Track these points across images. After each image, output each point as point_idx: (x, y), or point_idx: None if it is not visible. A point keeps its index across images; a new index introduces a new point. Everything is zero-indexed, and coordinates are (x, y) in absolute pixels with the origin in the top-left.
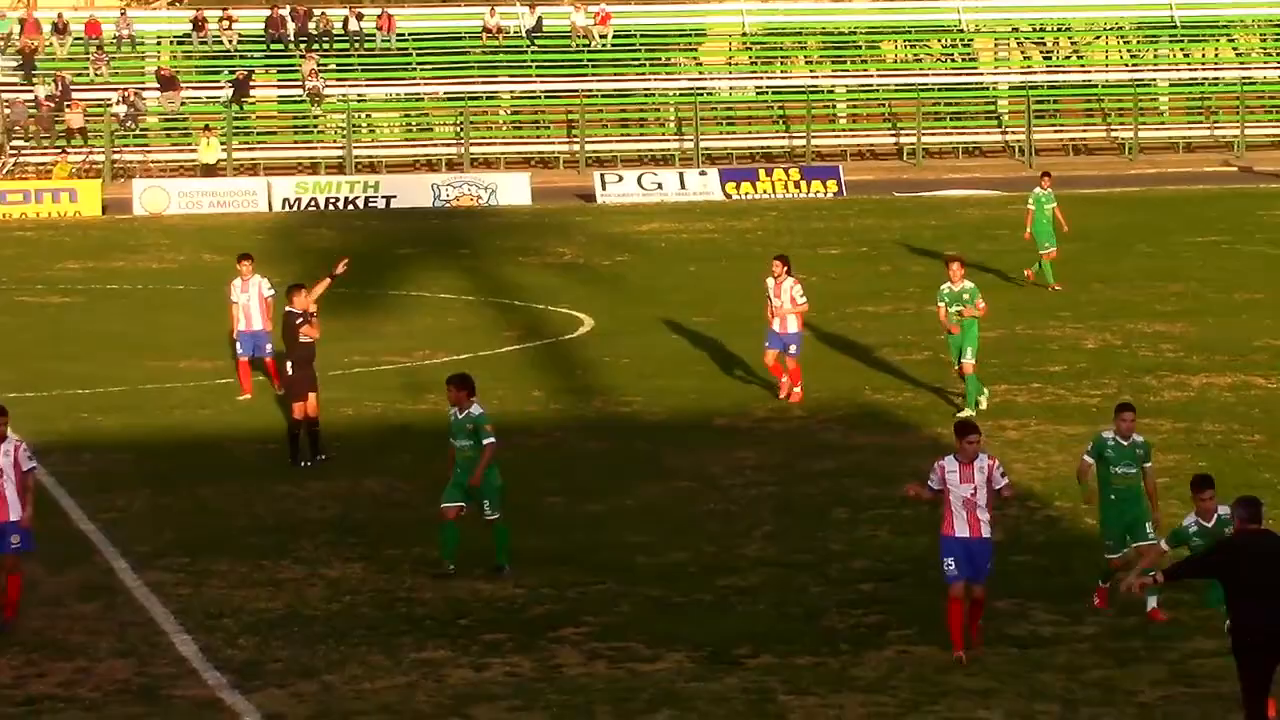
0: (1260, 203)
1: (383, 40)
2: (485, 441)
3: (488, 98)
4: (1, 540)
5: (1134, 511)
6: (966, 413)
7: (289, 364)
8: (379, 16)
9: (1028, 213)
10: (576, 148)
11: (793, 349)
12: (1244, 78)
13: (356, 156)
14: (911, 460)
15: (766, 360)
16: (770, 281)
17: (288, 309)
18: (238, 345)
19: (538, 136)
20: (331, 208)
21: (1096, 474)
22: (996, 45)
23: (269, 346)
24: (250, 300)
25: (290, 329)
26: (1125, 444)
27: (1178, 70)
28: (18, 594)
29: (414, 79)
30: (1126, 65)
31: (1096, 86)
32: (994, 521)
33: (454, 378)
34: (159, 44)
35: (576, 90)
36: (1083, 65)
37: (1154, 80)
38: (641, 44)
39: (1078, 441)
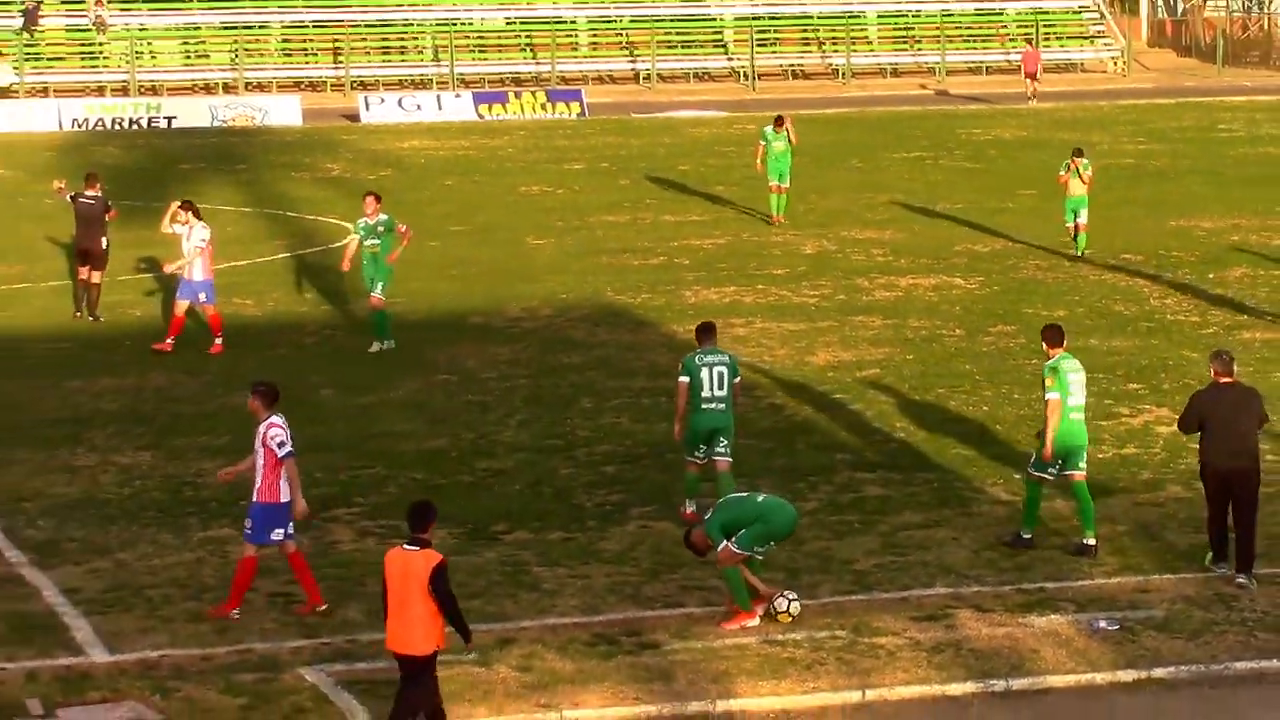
0: (959, 122)
1: None
2: None
3: (260, 26)
4: None
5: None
6: (376, 347)
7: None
8: None
9: (758, 149)
10: (342, 72)
11: (202, 297)
12: (943, 10)
13: (140, 81)
14: (649, 355)
15: (176, 311)
16: (176, 227)
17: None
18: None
19: (306, 62)
20: (117, 127)
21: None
22: None
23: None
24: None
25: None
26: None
27: (885, 3)
28: None
29: (191, 9)
30: None
31: (812, 17)
32: (273, 486)
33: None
34: None
35: (342, 20)
36: None
37: (864, 12)
38: None
39: (798, 337)
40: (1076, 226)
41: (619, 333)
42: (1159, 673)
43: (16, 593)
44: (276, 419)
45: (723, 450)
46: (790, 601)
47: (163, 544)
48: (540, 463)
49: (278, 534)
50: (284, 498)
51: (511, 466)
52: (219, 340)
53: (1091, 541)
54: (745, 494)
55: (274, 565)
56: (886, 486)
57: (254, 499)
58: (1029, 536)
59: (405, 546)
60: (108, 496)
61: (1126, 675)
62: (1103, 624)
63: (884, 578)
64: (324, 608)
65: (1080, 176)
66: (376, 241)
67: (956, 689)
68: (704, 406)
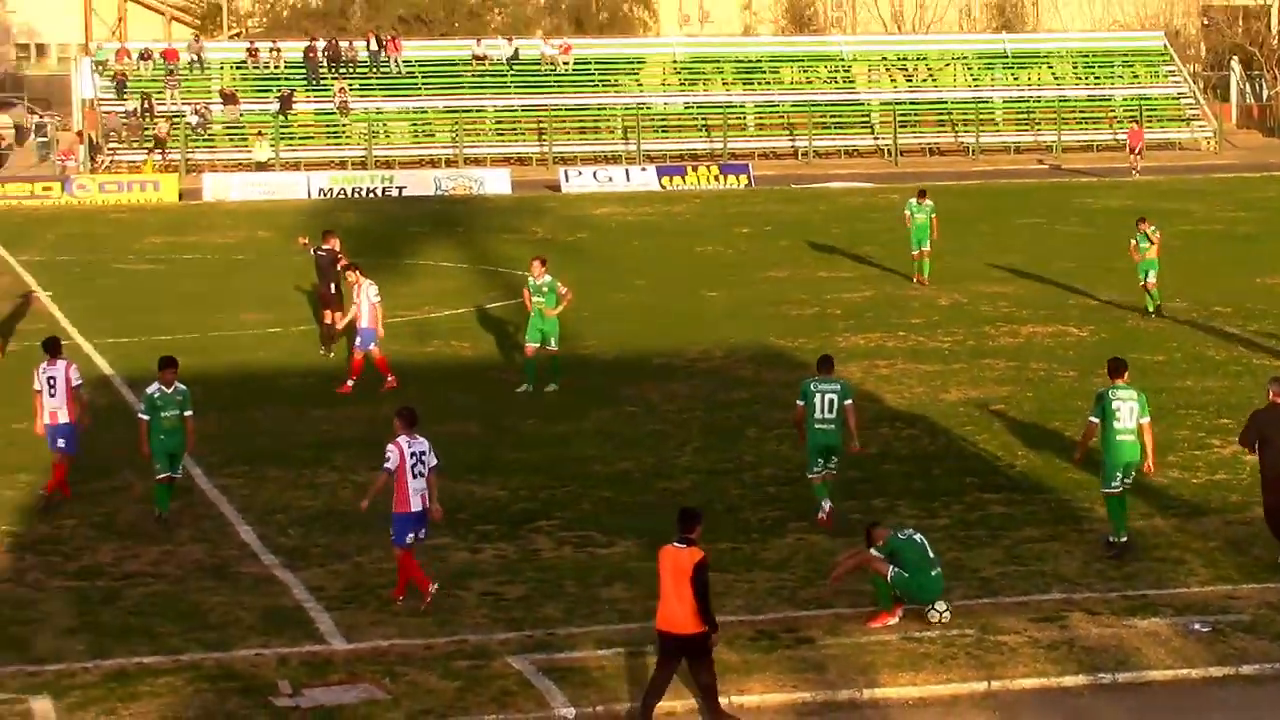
0: (1072, 193)
1: (393, 60)
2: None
3: (476, 110)
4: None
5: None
6: (551, 387)
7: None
8: (389, 40)
9: (906, 218)
10: (546, 149)
11: (369, 343)
12: (1060, 96)
13: (375, 156)
14: None
15: (375, 356)
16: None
17: (321, 248)
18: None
19: (516, 140)
20: (356, 195)
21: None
22: (870, 71)
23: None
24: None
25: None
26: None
27: (1009, 90)
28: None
29: (419, 96)
30: (970, 86)
31: (947, 103)
32: (403, 499)
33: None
34: (222, 68)
35: (545, 105)
36: (936, 86)
37: (991, 98)
38: (596, 69)
39: (933, 376)
40: (1146, 286)
41: (780, 372)
42: (1246, 669)
43: (271, 590)
44: (401, 439)
45: (831, 467)
46: (941, 613)
47: (390, 550)
48: (711, 484)
49: (409, 538)
50: (413, 508)
51: (687, 487)
52: (351, 384)
53: (1118, 540)
54: (934, 558)
55: (484, 568)
56: (1009, 506)
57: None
58: (1125, 539)
59: (675, 544)
60: (346, 509)
61: (1217, 671)
62: (1197, 626)
63: (1007, 584)
64: (401, 600)
65: (1150, 238)
66: (542, 299)
67: (1070, 681)
68: (817, 426)
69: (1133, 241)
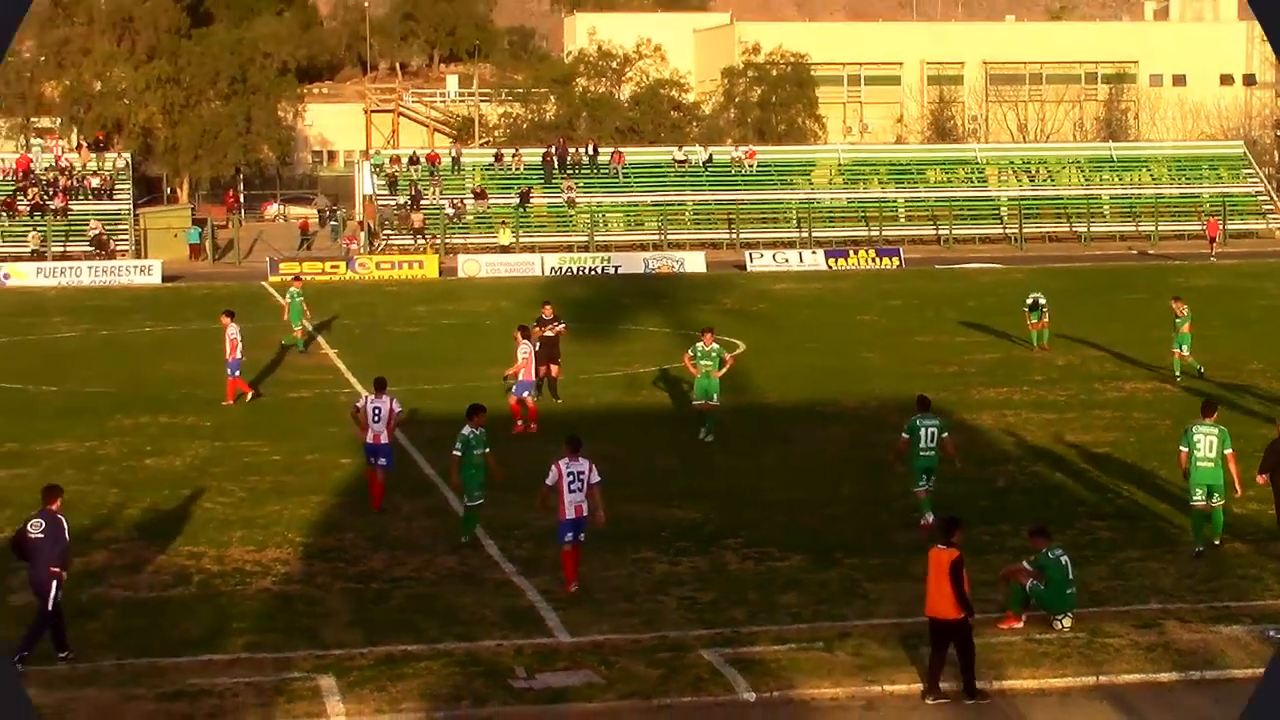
0: (1167, 274)
1: (613, 168)
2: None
3: (678, 204)
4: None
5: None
6: (709, 439)
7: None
8: (611, 153)
9: (1024, 313)
10: (734, 236)
11: (525, 394)
12: (1157, 194)
13: (597, 241)
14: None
15: (523, 401)
16: (522, 348)
17: (542, 316)
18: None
19: (710, 229)
20: (580, 273)
21: (910, 443)
22: (1000, 172)
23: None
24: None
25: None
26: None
27: (1115, 189)
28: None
29: (632, 192)
30: (1082, 185)
31: (1063, 199)
32: (559, 507)
33: None
34: (474, 169)
35: (734, 200)
36: (1054, 185)
37: (1100, 195)
38: (775, 170)
39: (1052, 424)
40: (1184, 355)
41: None
42: None
43: (508, 593)
44: (562, 461)
45: (931, 485)
46: (1064, 625)
47: (606, 561)
48: (866, 510)
49: (568, 537)
50: (568, 515)
51: (846, 512)
52: (534, 426)
53: (1217, 542)
54: (1071, 579)
55: (682, 577)
56: (1115, 531)
57: None
58: (1199, 549)
59: (939, 546)
60: None
61: None
62: (1271, 633)
63: (1112, 596)
64: (574, 589)
65: (1176, 313)
66: (709, 364)
67: (1165, 677)
68: (921, 453)
69: (1175, 321)
